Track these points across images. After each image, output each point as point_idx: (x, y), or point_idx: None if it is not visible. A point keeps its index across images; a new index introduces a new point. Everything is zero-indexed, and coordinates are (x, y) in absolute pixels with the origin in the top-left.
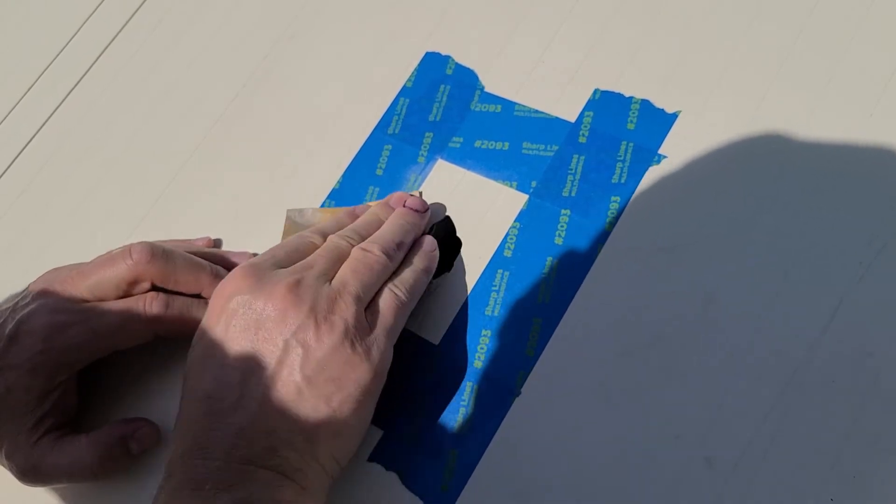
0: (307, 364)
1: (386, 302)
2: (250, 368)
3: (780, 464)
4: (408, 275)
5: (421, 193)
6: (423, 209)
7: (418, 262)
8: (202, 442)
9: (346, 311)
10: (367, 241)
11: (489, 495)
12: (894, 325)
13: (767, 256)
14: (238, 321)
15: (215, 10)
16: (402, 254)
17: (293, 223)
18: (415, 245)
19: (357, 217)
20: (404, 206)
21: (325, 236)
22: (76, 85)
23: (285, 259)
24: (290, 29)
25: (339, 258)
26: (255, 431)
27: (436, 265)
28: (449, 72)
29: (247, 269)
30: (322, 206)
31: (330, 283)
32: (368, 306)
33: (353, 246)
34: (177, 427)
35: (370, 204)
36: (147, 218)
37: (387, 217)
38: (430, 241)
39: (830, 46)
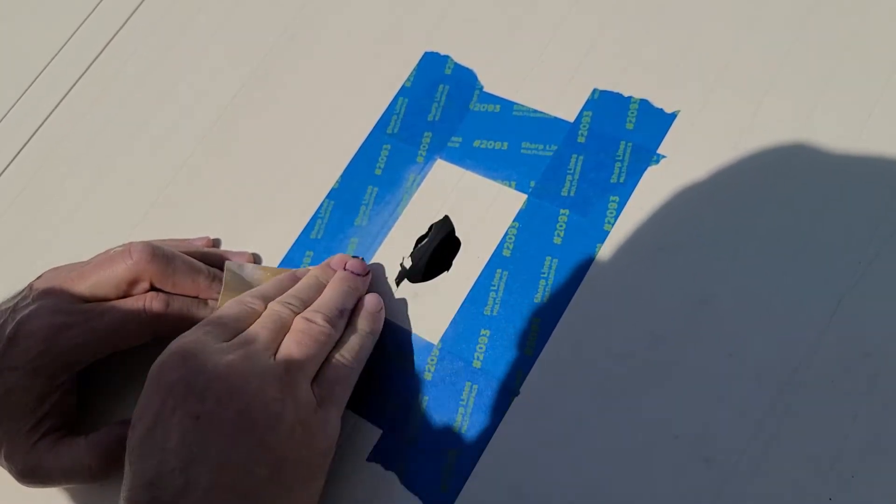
0: (258, 448)
1: (334, 373)
2: (193, 455)
3: (779, 464)
4: (354, 341)
5: (362, 259)
6: (364, 272)
7: (363, 325)
8: None
9: (295, 390)
10: (309, 310)
11: (488, 495)
12: (893, 325)
13: (767, 256)
14: (179, 402)
15: (215, 10)
16: (344, 321)
17: (234, 276)
18: (357, 306)
19: (297, 280)
20: (345, 268)
21: (265, 301)
22: (75, 84)
23: (224, 331)
24: (289, 29)
25: (282, 327)
26: None
27: (381, 325)
28: (448, 71)
29: (184, 347)
30: (321, 205)
31: (274, 356)
32: (315, 378)
33: (294, 313)
34: None
35: (310, 268)
36: (146, 218)
37: (325, 279)
38: (373, 301)
39: (829, 46)
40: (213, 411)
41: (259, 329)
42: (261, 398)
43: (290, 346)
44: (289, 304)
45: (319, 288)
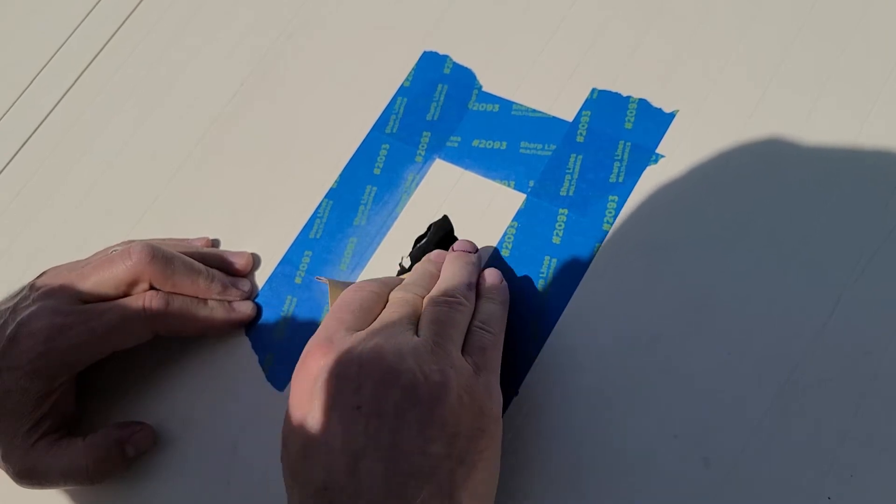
0: (427, 426)
1: (480, 342)
2: (362, 447)
3: (778, 463)
4: (490, 309)
5: (467, 240)
6: (473, 249)
7: (494, 295)
8: None
9: (449, 361)
10: (435, 290)
11: None
12: (892, 324)
13: (765, 255)
14: (333, 398)
15: (213, 9)
16: (473, 293)
17: (335, 283)
18: (480, 283)
19: (402, 279)
20: (452, 250)
21: (384, 287)
22: (75, 83)
23: (355, 321)
24: (287, 28)
25: (415, 310)
26: None
27: (508, 295)
28: (447, 71)
29: (323, 343)
30: (320, 205)
31: (416, 335)
32: (463, 349)
33: (420, 297)
34: None
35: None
36: (145, 217)
37: (438, 269)
38: (494, 274)
39: (829, 46)
40: (374, 397)
41: (391, 313)
42: (420, 373)
43: (432, 321)
44: (411, 289)
45: (434, 276)
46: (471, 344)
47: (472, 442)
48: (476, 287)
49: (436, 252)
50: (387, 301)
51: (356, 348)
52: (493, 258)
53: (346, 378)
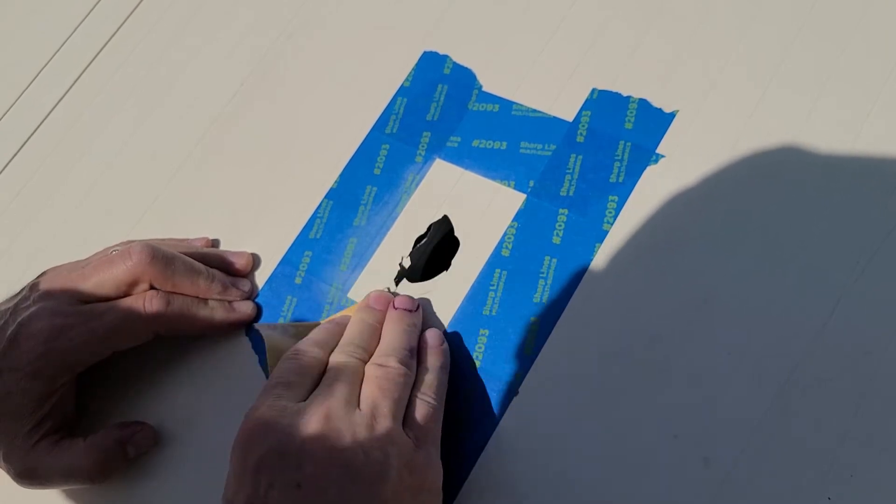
0: (370, 502)
1: (421, 412)
2: None
3: (778, 463)
4: (430, 378)
5: (388, 289)
6: (415, 307)
7: (433, 361)
8: None
9: (389, 438)
10: (378, 354)
11: (487, 495)
12: (892, 324)
13: (765, 255)
14: (277, 475)
15: (213, 9)
16: (415, 360)
17: (272, 339)
18: (421, 344)
19: (342, 327)
20: (394, 307)
21: (323, 349)
22: (75, 82)
23: (295, 392)
24: (287, 28)
25: (355, 377)
26: None
27: (449, 358)
28: (447, 71)
29: (264, 416)
30: (320, 205)
31: (359, 408)
32: (404, 422)
33: (361, 361)
34: None
35: (345, 313)
36: (145, 217)
37: (375, 320)
38: (435, 336)
39: (828, 46)
40: (315, 475)
41: (332, 382)
42: (361, 452)
43: (373, 394)
44: (351, 352)
45: (373, 331)
46: (411, 416)
47: None
48: (417, 350)
49: (374, 296)
50: (326, 364)
51: (296, 424)
52: (426, 307)
53: (287, 455)
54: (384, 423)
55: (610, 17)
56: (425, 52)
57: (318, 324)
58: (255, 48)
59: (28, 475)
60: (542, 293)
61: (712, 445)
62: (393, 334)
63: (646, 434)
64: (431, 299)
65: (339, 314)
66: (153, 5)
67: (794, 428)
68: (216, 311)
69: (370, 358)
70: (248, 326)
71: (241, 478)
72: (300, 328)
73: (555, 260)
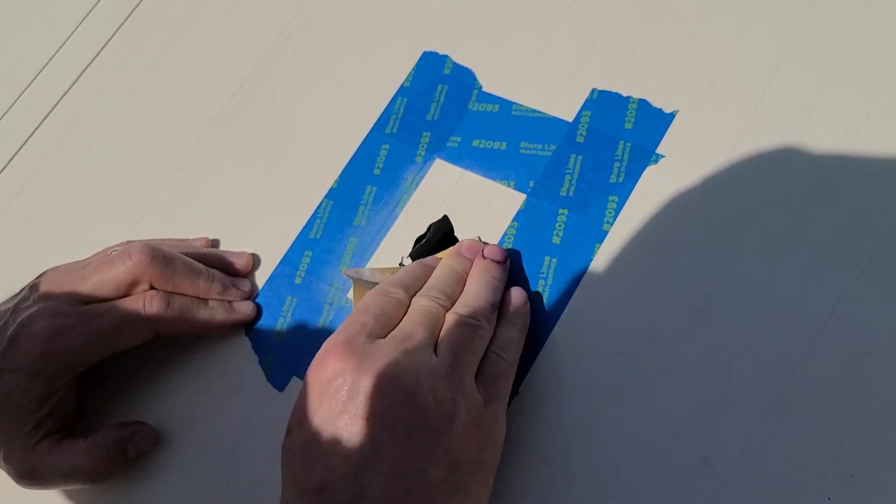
0: (432, 451)
1: (494, 369)
2: (365, 459)
3: (778, 463)
4: (508, 336)
5: (480, 238)
6: (504, 259)
7: (514, 319)
8: None
9: (463, 388)
10: (460, 304)
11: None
12: (892, 324)
13: (765, 255)
14: (344, 405)
15: (213, 9)
16: (495, 315)
17: (359, 283)
18: (504, 300)
19: (429, 270)
20: (483, 256)
21: (407, 291)
22: (74, 82)
23: (377, 326)
24: (287, 28)
25: (435, 323)
26: None
27: (529, 319)
28: (447, 71)
29: (343, 345)
30: (320, 205)
31: (435, 354)
32: (477, 376)
33: (443, 307)
34: None
35: (438, 256)
36: (145, 217)
37: (462, 268)
38: (518, 296)
39: (828, 46)
40: (386, 413)
41: (413, 325)
42: (433, 398)
43: (452, 344)
44: (435, 297)
45: (459, 279)
46: (485, 372)
47: (472, 471)
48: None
49: (467, 245)
50: (408, 307)
51: (376, 359)
52: (515, 260)
53: (361, 388)
54: (459, 374)
55: (610, 17)
56: (425, 52)
57: (399, 269)
58: (255, 48)
59: (29, 475)
60: (542, 293)
61: (712, 445)
62: (476, 286)
63: (646, 434)
64: None
65: (430, 257)
66: (153, 5)
67: (794, 428)
68: (216, 312)
69: (452, 305)
70: (248, 326)
71: (313, 399)
72: (386, 272)
73: (555, 260)
